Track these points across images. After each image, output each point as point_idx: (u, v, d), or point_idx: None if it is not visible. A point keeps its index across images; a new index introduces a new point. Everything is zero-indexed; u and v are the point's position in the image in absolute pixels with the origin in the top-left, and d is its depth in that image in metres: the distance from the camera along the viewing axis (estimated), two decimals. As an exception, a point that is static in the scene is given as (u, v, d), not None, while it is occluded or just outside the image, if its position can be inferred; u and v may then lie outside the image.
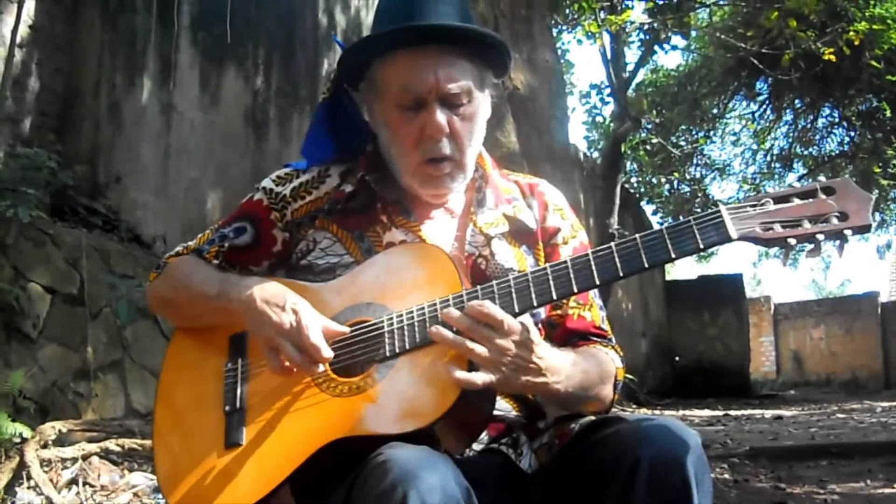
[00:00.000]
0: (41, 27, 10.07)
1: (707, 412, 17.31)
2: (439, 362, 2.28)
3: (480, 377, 2.22)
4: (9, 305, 7.81)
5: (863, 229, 2.17)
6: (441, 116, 2.54)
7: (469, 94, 2.60)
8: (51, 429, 6.77)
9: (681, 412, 17.37)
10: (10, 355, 7.81)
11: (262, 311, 2.45)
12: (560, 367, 2.37)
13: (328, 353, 2.36)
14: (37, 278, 8.27)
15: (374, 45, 2.62)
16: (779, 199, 2.22)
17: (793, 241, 2.19)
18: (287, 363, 2.40)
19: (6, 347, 7.81)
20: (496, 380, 2.24)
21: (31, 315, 8.06)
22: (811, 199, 2.21)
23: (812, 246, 2.19)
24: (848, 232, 2.16)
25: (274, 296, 2.48)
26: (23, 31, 9.73)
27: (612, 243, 2.29)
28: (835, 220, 2.17)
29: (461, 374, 2.21)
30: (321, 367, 2.39)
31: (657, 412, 18.11)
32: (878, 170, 24.26)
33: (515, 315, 2.29)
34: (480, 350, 2.23)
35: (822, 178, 2.25)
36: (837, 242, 2.18)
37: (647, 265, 2.24)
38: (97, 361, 8.54)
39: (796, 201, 2.21)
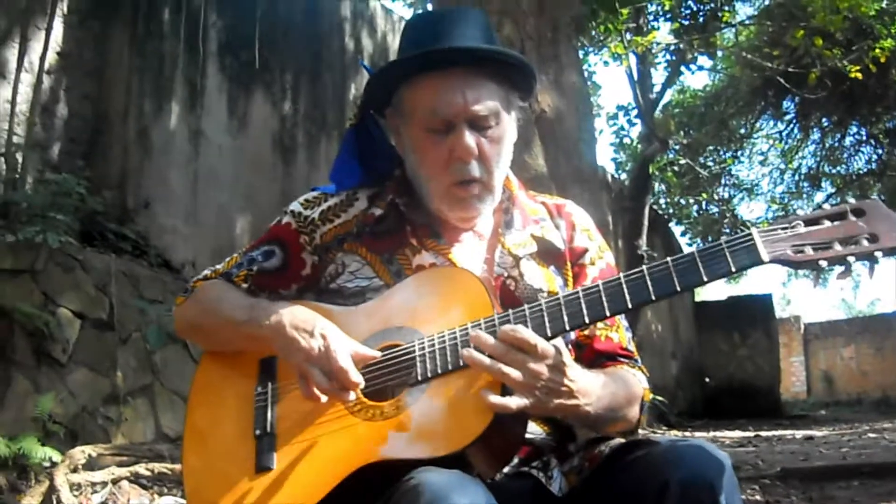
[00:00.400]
0: (69, 54, 10.14)
1: (738, 433, 17.22)
2: (471, 386, 2.27)
3: (514, 401, 2.21)
4: (39, 330, 7.85)
5: (893, 251, 2.16)
6: (470, 138, 2.55)
7: (497, 116, 2.60)
8: (80, 453, 6.79)
9: (711, 433, 17.29)
10: (39, 380, 7.84)
11: (291, 337, 2.45)
12: (590, 389, 2.36)
13: (357, 378, 2.36)
14: (66, 303, 8.30)
15: (400, 69, 2.62)
16: (809, 222, 2.22)
17: (824, 264, 2.18)
18: (315, 390, 2.40)
19: (36, 372, 7.85)
20: (529, 403, 2.23)
21: (61, 340, 8.10)
22: (841, 221, 2.20)
23: (843, 268, 2.18)
24: (878, 254, 2.15)
25: (303, 321, 2.48)
26: (51, 57, 9.81)
27: (644, 266, 2.29)
28: (865, 242, 2.16)
29: (495, 399, 2.21)
30: (352, 395, 2.38)
31: (688, 434, 18.03)
32: (906, 187, 24.18)
33: (548, 339, 2.28)
34: (515, 375, 2.22)
35: (851, 198, 2.26)
36: (868, 264, 2.17)
37: (678, 288, 2.24)
38: (127, 386, 8.57)
39: (826, 223, 2.21)
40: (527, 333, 2.24)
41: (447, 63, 2.56)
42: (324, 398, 2.40)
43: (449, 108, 2.54)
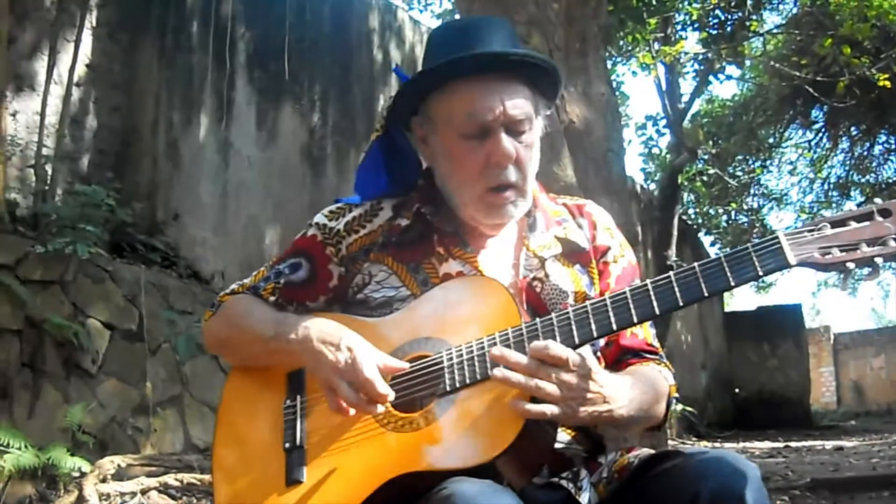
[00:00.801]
0: (98, 66, 10.20)
1: (767, 444, 17.16)
2: (500, 396, 2.27)
3: (549, 408, 2.21)
4: (69, 341, 7.89)
5: (921, 251, 2.15)
6: (508, 143, 2.55)
7: (530, 122, 2.62)
8: (110, 463, 6.82)
9: (741, 444, 17.25)
10: (69, 390, 7.88)
11: (318, 350, 2.47)
12: (620, 392, 2.36)
13: (385, 389, 2.36)
14: (96, 314, 8.35)
15: (436, 75, 2.62)
16: (836, 224, 2.22)
17: (851, 265, 2.18)
18: (343, 403, 2.41)
19: (66, 382, 7.89)
20: (562, 412, 2.24)
21: (91, 351, 8.14)
22: (868, 222, 2.20)
23: (870, 269, 2.18)
24: (906, 254, 2.15)
25: (329, 334, 2.49)
26: (80, 69, 9.87)
27: (671, 272, 2.28)
28: (892, 243, 2.16)
29: (531, 407, 2.21)
30: (380, 408, 2.39)
31: (717, 444, 18.02)
32: (936, 196, 24.00)
33: (575, 347, 2.28)
34: (550, 389, 2.22)
35: (878, 200, 2.24)
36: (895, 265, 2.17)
37: (706, 293, 2.24)
38: (156, 396, 8.61)
39: (853, 225, 2.21)
40: (558, 349, 2.24)
41: (481, 69, 2.57)
42: (352, 411, 2.41)
43: (488, 113, 2.54)
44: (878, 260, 2.16)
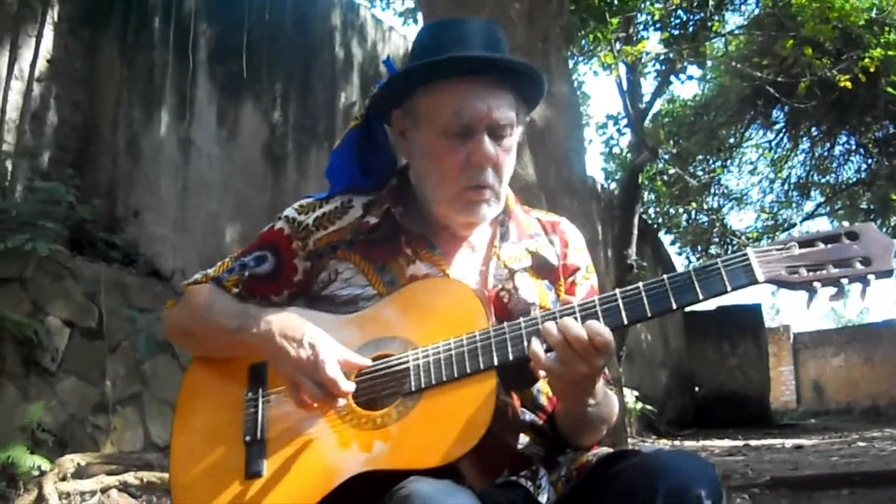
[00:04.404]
0: (59, 61, 10.13)
1: (727, 442, 17.20)
2: (465, 399, 2.29)
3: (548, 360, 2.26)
4: (28, 339, 7.83)
5: (885, 274, 2.20)
6: (489, 145, 2.57)
7: (512, 128, 2.63)
8: (69, 462, 6.79)
9: (701, 442, 17.29)
10: (29, 388, 7.83)
11: (280, 346, 2.46)
12: (599, 391, 2.43)
13: (347, 385, 2.37)
14: (56, 312, 8.29)
15: (426, 72, 2.63)
16: (804, 244, 2.26)
17: (817, 285, 2.22)
18: (306, 398, 2.40)
19: (25, 381, 7.83)
20: (558, 377, 2.29)
21: (50, 348, 8.08)
22: (835, 244, 2.25)
23: (836, 290, 2.22)
24: (871, 276, 2.20)
25: (292, 329, 2.49)
26: (41, 65, 9.80)
27: (641, 284, 2.31)
28: (858, 265, 2.21)
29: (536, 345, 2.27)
30: (341, 402, 2.39)
31: (677, 443, 18.08)
32: (895, 196, 24.14)
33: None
34: (581, 367, 2.26)
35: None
36: (861, 286, 2.20)
37: (675, 306, 2.27)
38: (116, 395, 8.56)
39: (821, 245, 2.25)
40: (610, 336, 2.26)
41: (473, 70, 2.59)
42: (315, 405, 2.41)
43: (473, 114, 2.56)
44: (844, 281, 2.20)
